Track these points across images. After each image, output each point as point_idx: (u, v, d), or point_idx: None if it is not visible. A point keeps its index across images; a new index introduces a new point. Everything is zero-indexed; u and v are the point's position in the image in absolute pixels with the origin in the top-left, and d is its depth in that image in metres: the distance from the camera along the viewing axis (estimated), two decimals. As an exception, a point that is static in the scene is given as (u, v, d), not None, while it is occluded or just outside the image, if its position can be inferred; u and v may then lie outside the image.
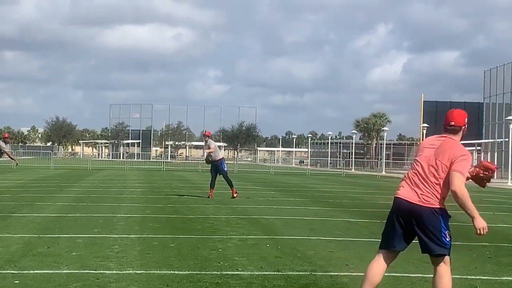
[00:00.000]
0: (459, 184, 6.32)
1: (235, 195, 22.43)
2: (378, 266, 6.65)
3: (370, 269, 6.65)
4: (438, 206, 6.42)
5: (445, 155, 6.47)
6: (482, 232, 6.38)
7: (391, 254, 6.69)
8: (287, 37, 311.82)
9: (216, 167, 22.95)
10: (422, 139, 66.90)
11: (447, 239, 6.44)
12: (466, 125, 6.77)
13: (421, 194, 6.45)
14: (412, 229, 6.50)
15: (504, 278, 9.02)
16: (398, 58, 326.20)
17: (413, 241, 6.68)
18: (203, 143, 23.84)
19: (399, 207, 6.57)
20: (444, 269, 6.50)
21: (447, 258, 6.50)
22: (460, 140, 6.70)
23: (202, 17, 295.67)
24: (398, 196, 6.61)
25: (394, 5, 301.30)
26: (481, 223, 6.36)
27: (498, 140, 67.30)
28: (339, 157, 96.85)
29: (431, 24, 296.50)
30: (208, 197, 22.33)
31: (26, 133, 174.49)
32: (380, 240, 6.75)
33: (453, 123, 6.67)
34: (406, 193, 6.56)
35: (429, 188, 6.45)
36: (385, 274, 8.94)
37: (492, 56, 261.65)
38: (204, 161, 23.62)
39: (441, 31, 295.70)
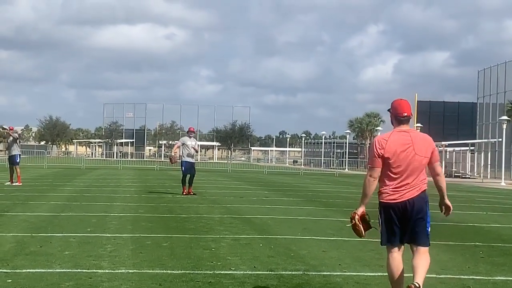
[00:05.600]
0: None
1: (192, 193, 22.96)
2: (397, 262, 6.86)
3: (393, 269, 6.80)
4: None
5: None
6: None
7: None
8: (280, 37, 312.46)
9: (193, 165, 23.45)
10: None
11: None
12: (392, 114, 7.04)
13: None
14: None
15: (497, 278, 9.02)
16: (389, 59, 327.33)
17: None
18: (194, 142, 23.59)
19: None
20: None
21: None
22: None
23: (195, 17, 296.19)
24: None
25: (384, 6, 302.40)
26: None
27: (492, 140, 67.38)
28: (333, 157, 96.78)
29: (421, 25, 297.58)
30: (183, 193, 22.99)
31: (19, 132, 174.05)
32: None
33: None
34: None
35: None
36: (365, 274, 8.95)
37: (482, 57, 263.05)
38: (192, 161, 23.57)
39: (431, 32, 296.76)
